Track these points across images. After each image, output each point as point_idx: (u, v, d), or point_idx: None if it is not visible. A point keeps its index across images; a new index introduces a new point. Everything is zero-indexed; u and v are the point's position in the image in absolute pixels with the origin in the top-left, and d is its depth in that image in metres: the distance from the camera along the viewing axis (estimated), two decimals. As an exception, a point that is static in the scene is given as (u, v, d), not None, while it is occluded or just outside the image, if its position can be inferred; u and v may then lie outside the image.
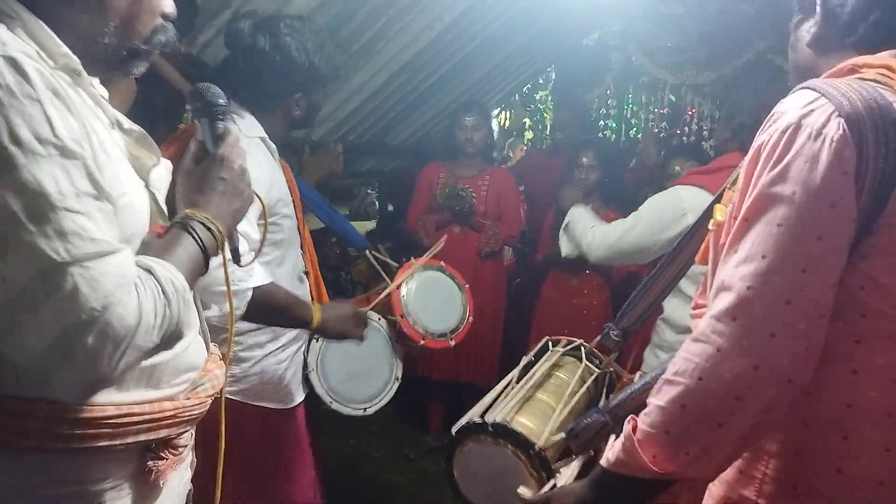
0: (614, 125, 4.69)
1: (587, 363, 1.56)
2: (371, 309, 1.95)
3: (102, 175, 0.80)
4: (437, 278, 2.24)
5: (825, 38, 0.96)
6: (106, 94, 0.96)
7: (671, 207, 2.01)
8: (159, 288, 0.80)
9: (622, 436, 0.89)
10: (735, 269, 0.82)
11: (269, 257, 1.65)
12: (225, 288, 1.37)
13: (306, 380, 1.79)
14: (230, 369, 1.58)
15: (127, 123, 0.95)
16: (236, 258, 1.04)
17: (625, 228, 2.13)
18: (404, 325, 1.95)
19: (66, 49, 0.82)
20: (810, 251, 0.79)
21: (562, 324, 3.04)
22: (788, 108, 0.85)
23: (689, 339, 0.85)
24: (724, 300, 0.81)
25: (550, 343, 1.65)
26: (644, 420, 0.86)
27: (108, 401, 0.85)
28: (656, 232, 2.01)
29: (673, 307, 1.95)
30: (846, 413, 0.84)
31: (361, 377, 1.85)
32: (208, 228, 0.91)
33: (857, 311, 0.83)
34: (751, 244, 0.81)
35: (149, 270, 0.81)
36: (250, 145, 1.57)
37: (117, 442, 0.86)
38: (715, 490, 0.95)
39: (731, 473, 0.92)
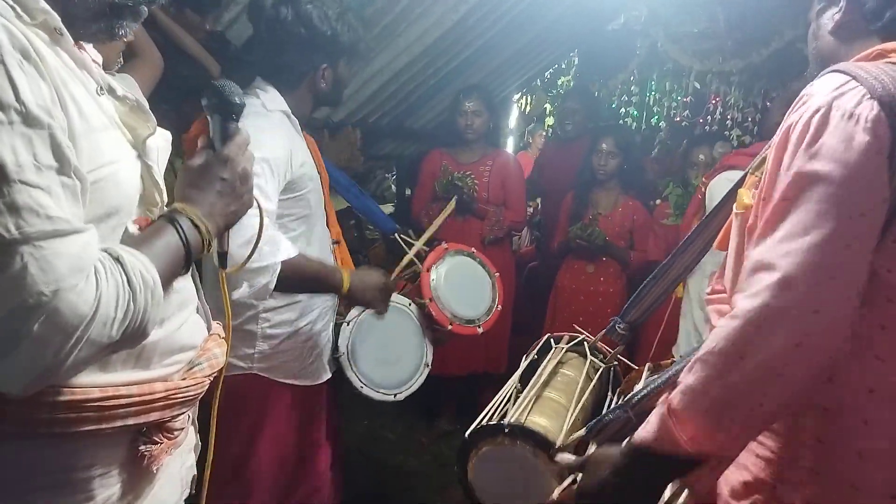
0: (636, 113, 4.62)
1: (592, 358, 1.54)
2: (401, 293, 1.94)
3: (77, 146, 0.75)
4: (467, 264, 2.20)
5: (849, 26, 0.96)
6: (99, 58, 0.90)
7: None
8: (125, 278, 0.74)
9: (657, 414, 0.88)
10: (776, 247, 0.81)
11: (296, 232, 1.66)
12: (255, 265, 1.38)
13: (334, 360, 1.79)
14: (258, 346, 1.60)
15: (121, 90, 0.89)
16: (223, 262, 1.00)
17: None
18: (433, 309, 1.93)
19: (44, 4, 0.75)
20: (853, 228, 0.79)
21: (577, 311, 3.04)
22: (819, 91, 0.85)
23: (724, 317, 0.84)
24: (766, 278, 0.80)
25: (553, 340, 1.64)
26: (680, 400, 0.85)
27: (92, 382, 0.81)
28: None
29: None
30: (868, 398, 0.84)
31: (392, 362, 1.85)
32: (196, 226, 0.86)
33: (883, 295, 0.83)
34: (791, 222, 0.81)
35: (117, 259, 0.74)
36: (271, 118, 1.57)
37: (104, 426, 0.82)
38: (731, 475, 0.95)
39: (748, 458, 0.92)
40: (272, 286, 1.47)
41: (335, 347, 1.77)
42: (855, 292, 0.79)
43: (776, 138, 0.89)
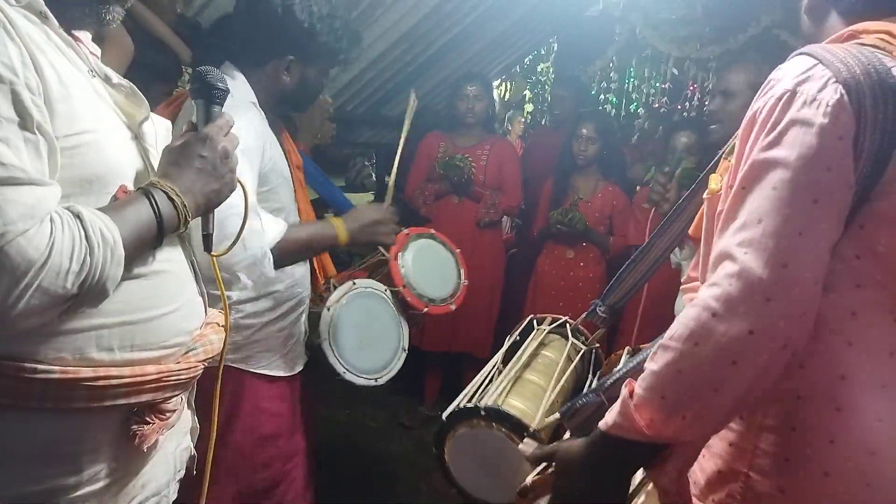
0: (614, 100, 4.63)
1: (573, 340, 1.55)
2: (376, 279, 1.96)
3: (53, 109, 0.78)
4: (429, 246, 2.26)
5: (816, 6, 0.97)
6: (98, 51, 0.95)
7: None
8: (82, 232, 0.76)
9: (619, 399, 0.89)
10: (732, 237, 0.81)
11: None
12: (247, 262, 1.41)
13: (315, 347, 1.78)
14: (231, 336, 1.58)
15: (116, 78, 0.94)
16: (207, 245, 1.00)
17: None
18: (407, 295, 1.96)
19: None
20: (806, 214, 0.78)
21: (557, 297, 3.06)
22: (785, 75, 0.84)
23: (688, 305, 0.85)
24: (725, 267, 0.81)
25: (535, 321, 1.64)
26: (640, 384, 0.86)
27: (85, 362, 0.84)
28: None
29: None
30: (840, 385, 0.84)
31: (371, 347, 1.86)
32: (171, 200, 0.88)
33: (852, 281, 0.83)
34: (747, 210, 0.81)
35: (77, 215, 0.77)
36: (242, 108, 1.54)
37: (94, 404, 0.84)
38: (705, 463, 0.96)
39: (721, 446, 0.92)
40: (271, 272, 1.47)
41: (316, 334, 1.77)
42: (812, 278, 0.78)
43: (743, 124, 0.88)
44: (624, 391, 0.88)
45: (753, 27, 3.26)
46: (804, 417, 0.86)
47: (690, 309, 0.83)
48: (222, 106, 0.99)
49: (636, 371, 0.97)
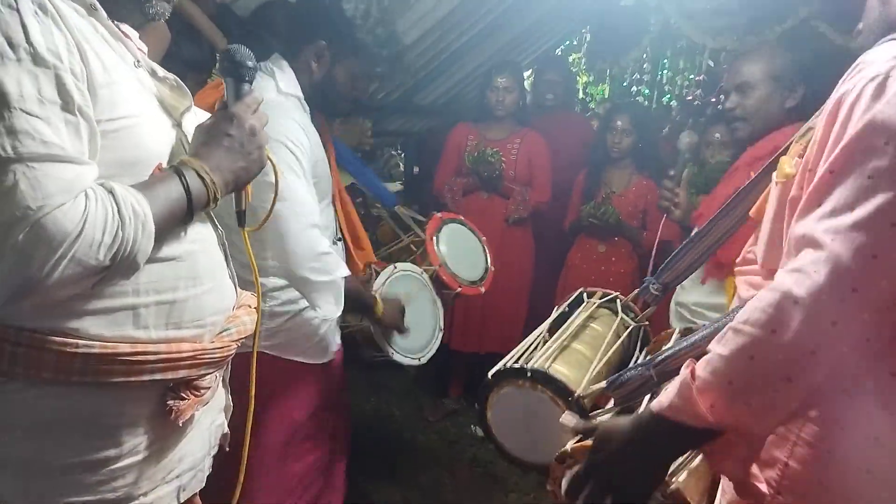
0: (647, 91, 4.55)
1: (623, 316, 1.54)
2: (409, 261, 2.04)
3: (96, 94, 0.83)
4: (460, 231, 2.35)
5: None
6: (145, 48, 1.00)
7: None
8: (114, 207, 0.80)
9: (678, 381, 0.86)
10: (819, 222, 0.78)
11: None
12: (324, 278, 1.56)
13: (363, 330, 1.85)
14: (265, 324, 1.59)
15: (161, 72, 0.99)
16: (241, 221, 1.05)
17: None
18: (443, 274, 2.05)
19: None
20: None
21: (588, 292, 3.02)
22: (876, 59, 0.81)
23: (764, 289, 0.82)
24: (808, 254, 0.78)
25: (585, 294, 1.64)
26: (705, 367, 0.84)
27: (123, 338, 0.88)
28: None
29: None
30: (890, 383, 0.82)
31: (413, 328, 1.92)
32: (201, 177, 0.92)
33: None
34: (838, 196, 0.78)
35: (110, 190, 0.81)
36: (286, 102, 1.54)
37: (132, 379, 0.89)
38: None
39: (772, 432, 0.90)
40: (342, 301, 1.59)
41: (357, 320, 1.84)
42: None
43: (827, 107, 0.85)
44: (685, 372, 0.85)
45: (792, 19, 3.17)
46: (850, 413, 0.84)
47: (768, 293, 0.80)
48: (251, 83, 1.02)
49: (691, 351, 0.95)
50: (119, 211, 0.80)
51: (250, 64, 1.01)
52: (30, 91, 0.76)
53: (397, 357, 1.86)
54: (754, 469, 0.91)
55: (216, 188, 0.93)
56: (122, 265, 0.82)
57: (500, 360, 3.33)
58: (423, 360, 1.98)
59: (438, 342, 2.05)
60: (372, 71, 1.78)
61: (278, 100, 1.54)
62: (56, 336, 0.83)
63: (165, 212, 0.87)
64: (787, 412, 0.84)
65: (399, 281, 1.92)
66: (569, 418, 1.09)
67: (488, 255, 2.39)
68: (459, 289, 2.07)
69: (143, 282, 0.89)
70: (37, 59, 0.76)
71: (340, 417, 1.91)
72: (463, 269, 2.18)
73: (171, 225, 0.91)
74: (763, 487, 0.90)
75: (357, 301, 1.72)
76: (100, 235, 0.78)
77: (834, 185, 0.79)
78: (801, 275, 0.77)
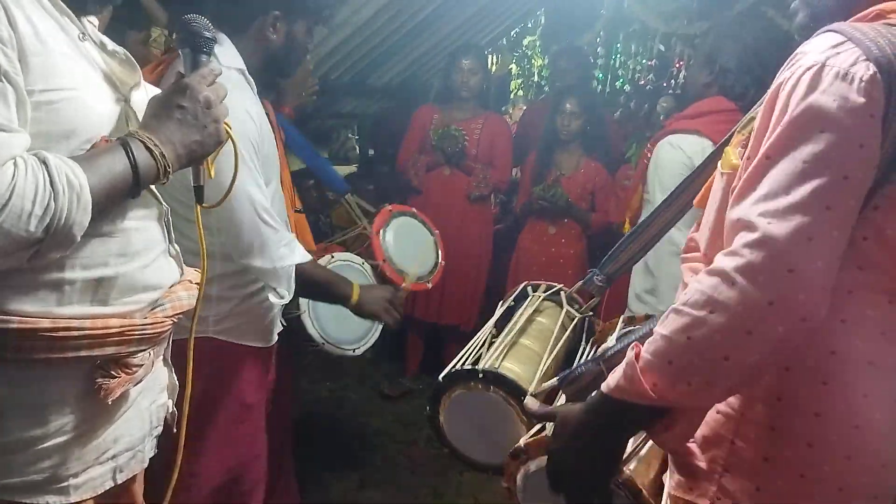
0: (601, 75, 4.60)
1: (568, 308, 1.56)
2: (355, 253, 1.98)
3: (27, 62, 0.79)
4: (410, 224, 2.33)
5: None
6: (95, 21, 0.97)
7: (681, 162, 2.00)
8: (47, 178, 0.76)
9: (624, 362, 0.88)
10: (755, 206, 0.80)
11: None
12: (274, 265, 1.51)
13: (295, 318, 1.81)
14: (215, 308, 1.56)
15: (111, 45, 0.95)
16: (199, 197, 1.01)
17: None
18: (387, 270, 1.99)
19: None
20: (836, 190, 0.77)
21: (538, 272, 3.05)
22: (813, 49, 0.82)
23: (702, 272, 0.84)
24: (744, 236, 0.80)
25: (530, 288, 1.65)
26: (647, 348, 0.86)
27: (44, 313, 0.84)
28: None
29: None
30: (829, 360, 0.85)
31: (349, 318, 1.86)
32: (149, 150, 0.87)
33: (855, 262, 0.83)
34: (773, 181, 0.80)
35: (43, 161, 0.77)
36: (230, 77, 1.49)
37: (55, 355, 0.85)
38: None
39: (709, 413, 0.93)
40: (292, 288, 1.54)
41: (295, 305, 1.77)
42: (833, 255, 0.78)
43: (766, 97, 0.87)
44: (630, 354, 0.88)
45: (740, 4, 3.25)
46: (791, 389, 0.87)
47: (705, 277, 0.82)
48: (210, 54, 0.98)
49: (642, 339, 0.97)
50: (51, 181, 0.76)
51: (208, 34, 0.97)
52: None
53: (328, 347, 1.83)
54: (695, 448, 0.94)
55: (166, 162, 0.89)
56: (55, 237, 0.78)
57: (454, 332, 3.37)
58: (358, 352, 1.94)
59: (377, 334, 2.02)
60: (322, 15, 1.69)
61: (224, 76, 1.49)
62: None
63: (107, 183, 0.83)
64: (727, 390, 0.87)
65: (335, 271, 1.87)
66: (532, 402, 1.10)
67: (440, 249, 2.36)
68: (404, 284, 2.02)
69: (69, 257, 0.86)
70: None
71: (287, 399, 1.90)
72: (410, 264, 2.15)
73: (115, 198, 0.86)
74: (703, 465, 0.92)
75: (328, 288, 1.67)
76: (29, 206, 0.74)
77: (769, 170, 0.80)
78: (737, 257, 0.79)
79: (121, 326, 0.91)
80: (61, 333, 0.85)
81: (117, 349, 0.91)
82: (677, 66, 3.74)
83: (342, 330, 1.89)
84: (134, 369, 0.95)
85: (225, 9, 1.53)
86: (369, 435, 2.98)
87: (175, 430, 1.11)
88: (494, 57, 5.85)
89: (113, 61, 0.95)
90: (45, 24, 0.83)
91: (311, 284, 1.63)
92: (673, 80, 3.77)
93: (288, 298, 1.57)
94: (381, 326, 2.01)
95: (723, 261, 0.81)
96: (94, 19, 0.96)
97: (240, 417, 1.67)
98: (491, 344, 1.38)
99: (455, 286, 3.22)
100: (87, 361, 0.90)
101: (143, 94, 1.00)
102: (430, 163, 3.29)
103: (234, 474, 1.66)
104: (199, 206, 1.03)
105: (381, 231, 2.13)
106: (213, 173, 1.03)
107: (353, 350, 1.92)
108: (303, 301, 1.77)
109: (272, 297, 1.55)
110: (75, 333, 0.86)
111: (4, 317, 0.81)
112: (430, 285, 2.22)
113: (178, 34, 0.97)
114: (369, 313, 1.76)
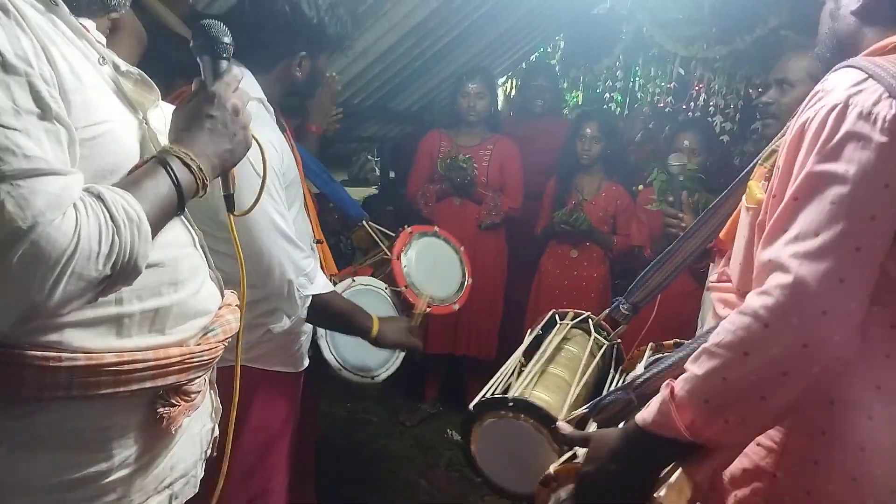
0: (619, 98, 4.62)
1: (596, 335, 1.56)
2: (379, 278, 1.96)
3: (68, 100, 0.77)
4: (433, 244, 2.25)
5: (875, 7, 0.94)
6: (103, 39, 0.94)
7: None
8: (106, 214, 0.75)
9: (659, 398, 0.89)
10: (786, 247, 0.81)
11: None
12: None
13: (313, 345, 1.79)
14: (245, 336, 1.58)
15: (124, 66, 0.93)
16: (230, 206, 1.00)
17: None
18: (409, 295, 1.95)
19: None
20: (864, 230, 0.78)
21: (561, 296, 3.05)
22: (835, 87, 0.83)
23: (734, 312, 0.84)
24: (776, 278, 0.80)
25: (558, 316, 1.65)
26: (683, 387, 0.86)
27: (108, 347, 0.84)
28: None
29: None
30: (874, 394, 0.85)
31: (369, 345, 1.83)
32: (187, 165, 0.86)
33: (894, 295, 0.83)
34: (802, 223, 0.81)
35: (98, 196, 0.76)
36: (249, 107, 1.52)
37: (120, 389, 0.84)
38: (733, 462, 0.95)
39: (750, 445, 0.93)
40: (304, 315, 1.55)
41: (314, 330, 1.77)
42: (864, 294, 0.79)
43: (789, 134, 0.88)
44: (664, 392, 0.88)
45: (760, 28, 3.25)
46: (835, 423, 0.87)
47: (738, 317, 0.82)
48: (229, 60, 0.96)
49: (671, 372, 0.97)
50: (112, 217, 0.76)
51: (226, 40, 0.95)
52: (4, 103, 0.70)
53: (345, 374, 1.80)
54: (740, 480, 0.94)
55: (204, 175, 0.87)
56: (123, 272, 0.78)
57: (474, 363, 3.33)
58: (378, 380, 1.90)
59: (399, 361, 1.96)
60: (342, 46, 1.72)
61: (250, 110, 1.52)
62: (36, 350, 0.78)
63: (157, 209, 0.82)
64: (762, 427, 0.87)
65: (357, 296, 1.85)
66: (565, 426, 1.11)
67: (466, 267, 2.27)
68: (428, 309, 1.97)
69: (126, 290, 0.85)
70: (7, 67, 0.71)
71: (312, 424, 1.90)
72: (435, 286, 2.08)
73: (163, 221, 0.85)
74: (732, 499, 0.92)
75: (348, 321, 1.66)
76: (96, 246, 0.74)
77: (798, 211, 0.82)
78: (770, 298, 0.80)
79: (181, 355, 0.91)
80: (126, 367, 0.84)
81: (178, 377, 0.92)
82: (696, 88, 3.75)
83: (362, 356, 1.86)
84: (192, 396, 0.95)
85: (253, 51, 1.56)
86: (388, 458, 2.97)
87: (215, 455, 1.11)
88: (514, 81, 5.92)
89: (128, 82, 0.93)
90: (74, 55, 0.82)
91: (331, 316, 1.63)
92: (692, 103, 3.79)
93: (289, 324, 1.56)
94: (403, 354, 1.97)
95: (755, 300, 0.82)
96: (101, 37, 0.94)
97: (266, 447, 1.68)
98: (520, 372, 1.38)
99: (470, 317, 3.13)
100: (148, 392, 0.89)
101: (160, 112, 0.99)
102: (439, 192, 3.19)
103: (263, 494, 1.67)
104: (231, 216, 1.02)
105: (402, 254, 2.07)
106: (237, 179, 1.02)
107: (373, 378, 1.89)
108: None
109: (273, 327, 1.56)
110: (140, 366, 0.86)
111: (72, 354, 0.81)
112: (457, 307, 2.15)
113: (195, 41, 0.94)
114: (393, 344, 1.74)
